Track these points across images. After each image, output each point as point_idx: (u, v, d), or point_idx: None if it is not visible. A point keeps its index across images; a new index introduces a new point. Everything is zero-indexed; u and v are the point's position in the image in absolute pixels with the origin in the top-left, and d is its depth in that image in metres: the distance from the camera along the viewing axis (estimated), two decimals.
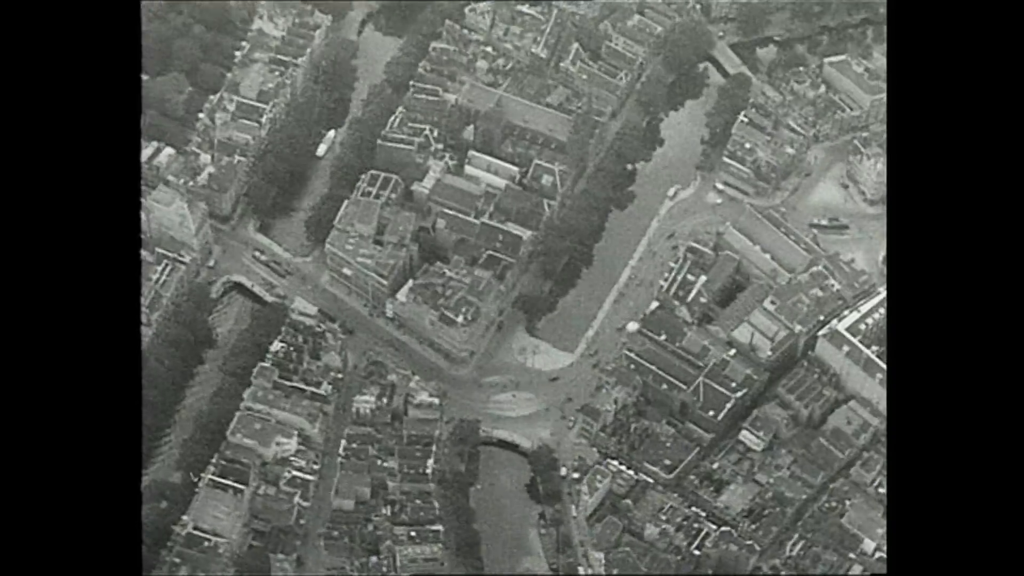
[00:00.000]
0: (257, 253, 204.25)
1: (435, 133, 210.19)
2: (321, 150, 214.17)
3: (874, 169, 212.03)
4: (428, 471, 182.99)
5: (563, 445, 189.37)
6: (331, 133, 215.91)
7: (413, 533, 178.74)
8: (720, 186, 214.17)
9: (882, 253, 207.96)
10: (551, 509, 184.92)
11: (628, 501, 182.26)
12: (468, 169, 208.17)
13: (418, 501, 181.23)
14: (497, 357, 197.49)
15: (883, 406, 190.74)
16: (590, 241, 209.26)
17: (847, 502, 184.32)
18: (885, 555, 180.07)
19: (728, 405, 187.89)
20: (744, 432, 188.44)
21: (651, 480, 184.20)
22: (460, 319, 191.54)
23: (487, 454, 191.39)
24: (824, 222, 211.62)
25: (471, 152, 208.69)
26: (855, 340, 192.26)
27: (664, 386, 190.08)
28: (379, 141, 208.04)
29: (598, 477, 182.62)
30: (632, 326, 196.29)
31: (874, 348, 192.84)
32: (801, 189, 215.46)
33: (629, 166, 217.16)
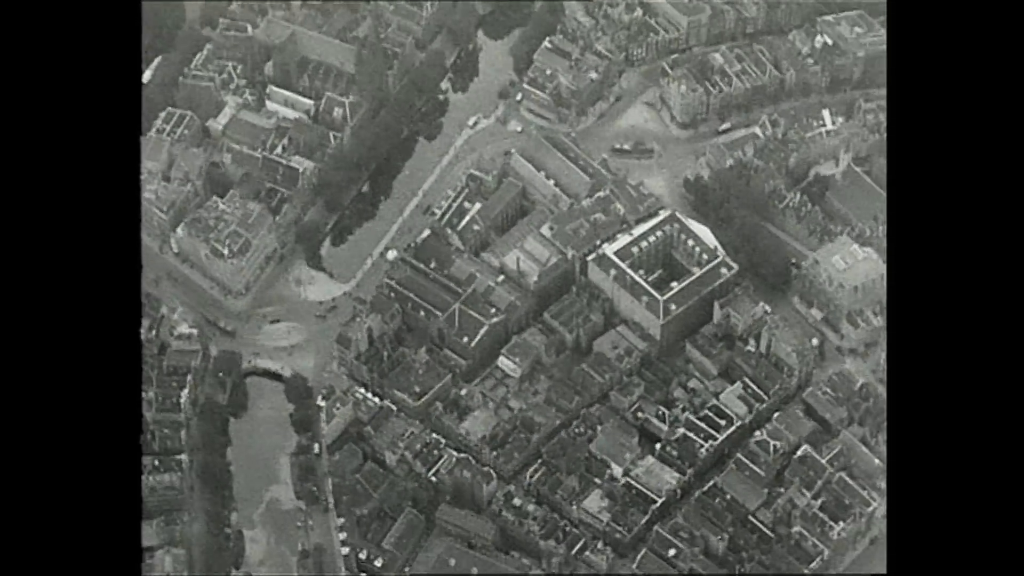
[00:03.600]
0: None
1: (239, 69, 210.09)
2: (146, 76, 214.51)
3: (679, 91, 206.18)
4: (182, 401, 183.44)
5: (323, 374, 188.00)
6: (158, 59, 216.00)
7: (157, 462, 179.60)
8: (524, 113, 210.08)
9: (683, 175, 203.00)
10: (303, 438, 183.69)
11: (369, 428, 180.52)
12: (268, 104, 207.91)
13: (167, 431, 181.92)
14: (274, 289, 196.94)
15: (653, 329, 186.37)
16: (390, 172, 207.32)
17: (598, 428, 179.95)
18: (633, 480, 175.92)
19: (481, 331, 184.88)
20: (502, 358, 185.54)
21: (394, 407, 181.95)
22: (226, 252, 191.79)
23: (256, 384, 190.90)
24: (627, 146, 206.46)
25: (270, 87, 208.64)
26: (623, 264, 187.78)
27: (422, 313, 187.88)
28: (180, 78, 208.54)
29: (337, 404, 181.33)
30: (391, 254, 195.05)
31: (641, 272, 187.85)
32: (610, 113, 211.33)
33: (441, 96, 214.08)
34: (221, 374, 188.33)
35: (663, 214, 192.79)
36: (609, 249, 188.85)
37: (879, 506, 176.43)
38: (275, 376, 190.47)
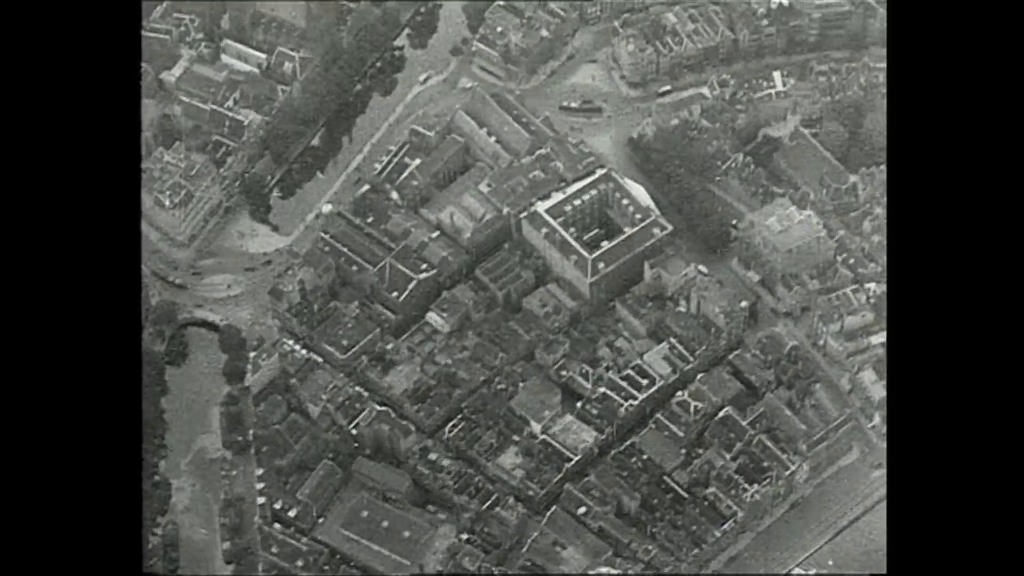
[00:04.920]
0: None
1: (196, 23, 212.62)
2: None
3: (627, 51, 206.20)
4: None
5: (257, 326, 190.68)
6: None
7: None
8: (475, 70, 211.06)
9: (630, 135, 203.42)
10: (234, 388, 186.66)
11: (295, 380, 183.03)
12: (223, 57, 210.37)
13: None
14: (219, 240, 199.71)
15: (582, 288, 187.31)
16: (342, 127, 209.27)
17: (520, 384, 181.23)
18: (550, 438, 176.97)
19: (411, 286, 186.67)
20: (431, 314, 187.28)
21: (321, 360, 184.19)
22: (168, 202, 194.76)
23: (196, 335, 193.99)
24: (575, 104, 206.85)
25: (225, 40, 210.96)
26: (554, 222, 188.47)
27: (355, 268, 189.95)
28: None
29: (264, 356, 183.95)
30: (327, 208, 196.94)
31: (573, 230, 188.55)
32: (561, 71, 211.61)
33: (397, 53, 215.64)
34: (159, 324, 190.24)
35: (599, 172, 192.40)
36: (542, 207, 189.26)
37: (798, 469, 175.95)
38: (213, 327, 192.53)
